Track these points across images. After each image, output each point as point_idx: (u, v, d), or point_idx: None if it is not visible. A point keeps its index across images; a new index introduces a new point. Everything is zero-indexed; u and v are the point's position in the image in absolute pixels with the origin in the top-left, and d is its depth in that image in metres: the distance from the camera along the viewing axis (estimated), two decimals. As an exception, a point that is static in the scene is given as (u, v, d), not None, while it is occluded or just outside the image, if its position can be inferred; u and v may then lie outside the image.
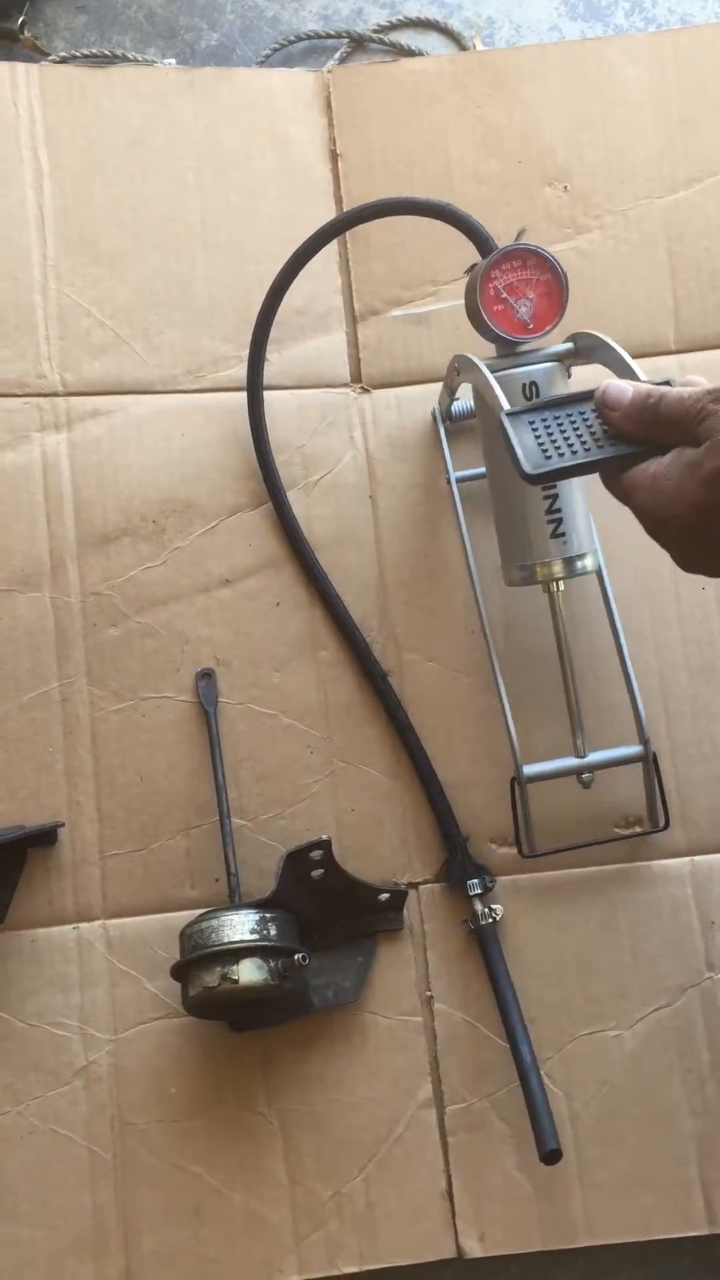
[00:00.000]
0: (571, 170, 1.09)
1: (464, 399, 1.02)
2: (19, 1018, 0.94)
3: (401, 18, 1.30)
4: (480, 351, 0.90)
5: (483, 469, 0.99)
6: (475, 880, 0.97)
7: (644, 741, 0.96)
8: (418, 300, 1.07)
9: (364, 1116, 0.95)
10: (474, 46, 1.25)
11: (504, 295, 0.88)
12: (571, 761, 0.96)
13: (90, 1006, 0.95)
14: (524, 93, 1.10)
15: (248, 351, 1.03)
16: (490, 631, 0.99)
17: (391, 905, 0.98)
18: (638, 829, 1.00)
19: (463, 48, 1.26)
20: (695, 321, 1.07)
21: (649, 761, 0.97)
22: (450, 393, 1.00)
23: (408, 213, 0.94)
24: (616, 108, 1.10)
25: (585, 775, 0.96)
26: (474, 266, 0.90)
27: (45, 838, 0.97)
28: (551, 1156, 0.89)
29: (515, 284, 0.88)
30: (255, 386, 1.02)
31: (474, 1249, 0.93)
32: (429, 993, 0.98)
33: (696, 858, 0.99)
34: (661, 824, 0.98)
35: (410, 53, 1.25)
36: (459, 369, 0.93)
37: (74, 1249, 0.91)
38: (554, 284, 0.88)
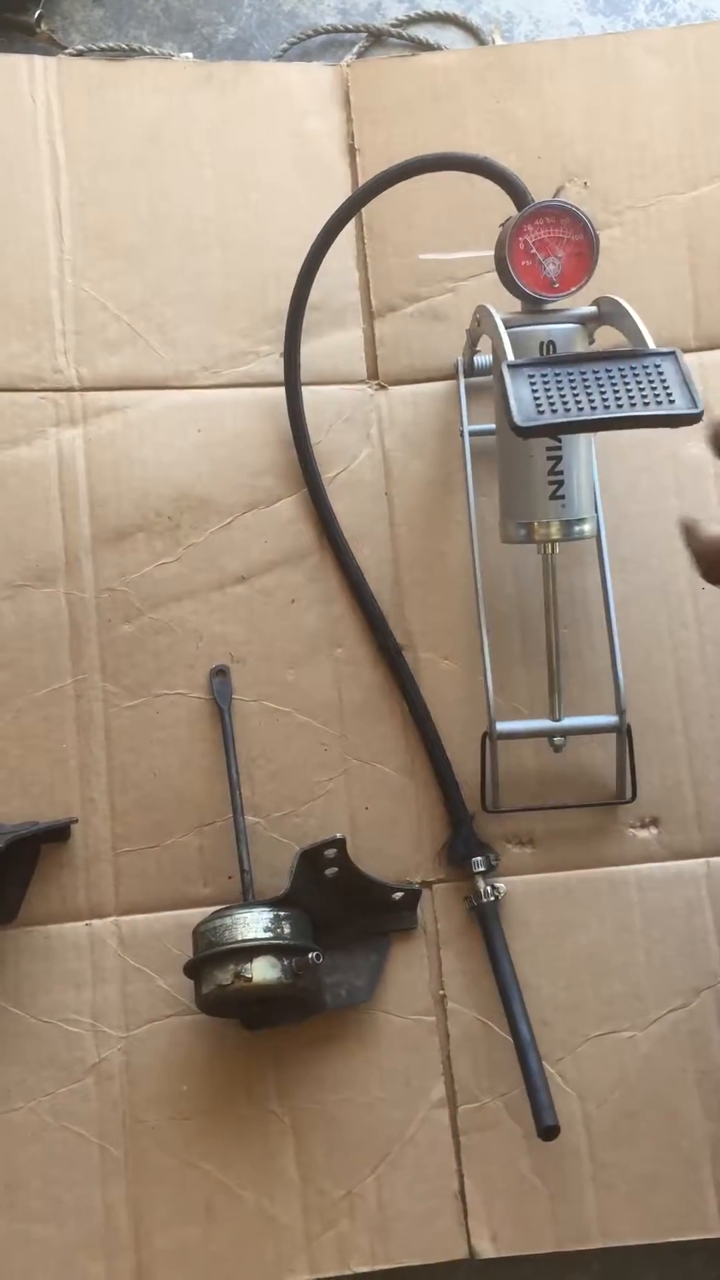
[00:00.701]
0: (592, 166, 1.08)
1: (486, 353, 1.02)
2: (31, 1014, 0.94)
3: (420, 12, 1.30)
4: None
5: (493, 424, 0.99)
6: (479, 858, 0.97)
7: (620, 712, 0.96)
8: (435, 296, 1.06)
9: (376, 1116, 0.95)
10: (493, 41, 1.25)
11: (533, 251, 0.88)
12: (545, 723, 0.97)
13: (102, 1003, 0.95)
14: (544, 88, 1.10)
15: (265, 347, 1.03)
16: (488, 591, 0.99)
17: (405, 904, 0.98)
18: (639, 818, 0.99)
19: (481, 42, 1.26)
20: (715, 319, 1.06)
21: (622, 732, 0.97)
22: (473, 344, 1.00)
23: (444, 168, 0.94)
24: (637, 103, 1.10)
25: (558, 739, 0.97)
26: (508, 220, 0.90)
27: (58, 834, 0.96)
28: (549, 1133, 0.88)
29: (546, 241, 0.88)
30: (293, 362, 1.02)
31: (486, 1249, 0.93)
32: (442, 992, 0.97)
33: (712, 859, 0.99)
34: (629, 796, 0.99)
35: (429, 47, 1.25)
36: (480, 321, 0.93)
37: (85, 1246, 0.91)
38: (584, 245, 0.88)
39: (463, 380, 1.04)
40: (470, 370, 1.04)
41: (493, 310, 0.88)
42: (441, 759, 1.00)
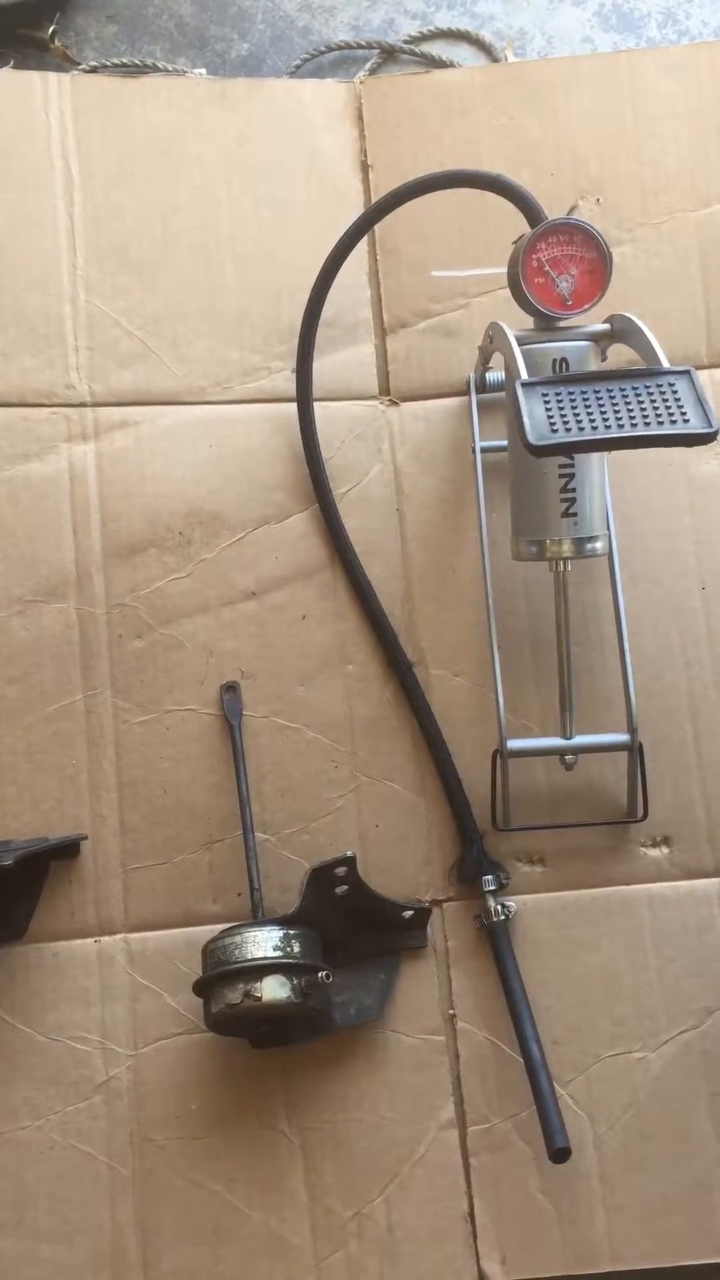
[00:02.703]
0: (604, 183, 1.08)
1: (497, 370, 1.02)
2: (40, 1031, 0.94)
3: (432, 28, 1.30)
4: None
5: (504, 440, 0.99)
6: (490, 876, 0.97)
7: (631, 730, 0.96)
8: (448, 312, 1.06)
9: (385, 1136, 0.94)
10: (505, 58, 1.25)
11: (547, 268, 0.88)
12: (557, 741, 0.97)
13: (111, 1021, 0.94)
14: (556, 105, 1.10)
15: (277, 363, 1.03)
16: (499, 608, 0.99)
17: (415, 923, 0.97)
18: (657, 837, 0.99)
19: (494, 59, 1.26)
20: (728, 336, 1.06)
21: (634, 750, 0.96)
22: (485, 361, 1.00)
23: (457, 185, 0.93)
24: (649, 120, 1.10)
25: (569, 757, 0.97)
26: (521, 237, 0.90)
27: (68, 850, 0.96)
28: (560, 1155, 0.88)
29: (559, 258, 0.88)
30: (305, 378, 1.02)
31: (496, 1272, 0.92)
32: (452, 1011, 0.97)
33: (725, 878, 0.99)
34: (640, 815, 0.98)
35: (441, 64, 1.25)
36: (492, 338, 0.93)
37: (92, 1266, 0.90)
38: (598, 263, 0.88)
39: (475, 397, 1.04)
40: (482, 387, 1.03)
41: (505, 328, 0.88)
42: (452, 776, 0.99)
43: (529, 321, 0.92)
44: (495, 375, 1.03)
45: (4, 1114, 0.92)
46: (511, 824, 0.98)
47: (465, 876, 0.98)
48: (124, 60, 1.24)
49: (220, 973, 0.88)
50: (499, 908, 0.96)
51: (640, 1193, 0.93)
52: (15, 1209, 0.90)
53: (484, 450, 1.02)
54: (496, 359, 1.00)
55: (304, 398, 1.02)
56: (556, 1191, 0.93)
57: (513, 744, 0.96)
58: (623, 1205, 0.93)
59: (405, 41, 1.29)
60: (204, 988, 0.90)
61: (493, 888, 0.97)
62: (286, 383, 1.04)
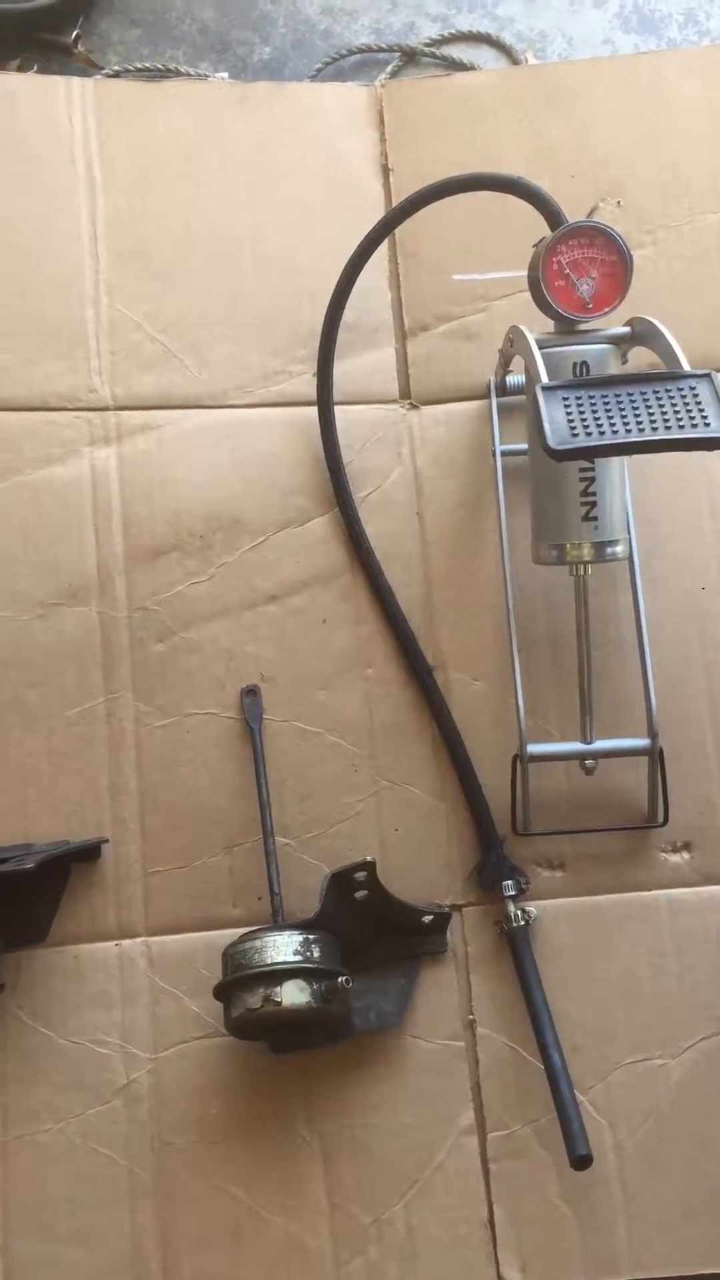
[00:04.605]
0: (625, 185, 1.08)
1: (518, 373, 1.02)
2: (61, 1034, 0.94)
3: (453, 31, 1.30)
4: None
5: (524, 444, 0.99)
6: (510, 881, 0.96)
7: (652, 735, 0.95)
8: (468, 315, 1.06)
9: (405, 1142, 0.94)
10: (526, 60, 1.25)
11: (567, 271, 0.88)
12: (577, 746, 0.96)
13: (131, 1024, 0.94)
14: (577, 107, 1.09)
15: (298, 366, 1.04)
16: (519, 611, 0.99)
17: (435, 927, 0.97)
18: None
19: (515, 62, 1.26)
20: (750, 339, 1.05)
21: (654, 755, 0.96)
22: (505, 364, 1.00)
23: (478, 188, 0.93)
24: (671, 122, 1.09)
25: (589, 762, 0.96)
26: (542, 240, 0.90)
27: (89, 854, 0.96)
28: (582, 1162, 0.87)
29: (580, 261, 0.88)
30: (326, 381, 1.02)
31: (515, 1279, 0.92)
32: (471, 1017, 0.96)
33: (747, 884, 0.98)
34: (660, 820, 0.97)
35: (462, 66, 1.25)
36: (513, 341, 0.93)
37: (112, 1270, 0.90)
38: (618, 266, 0.88)
39: (495, 400, 1.03)
40: (503, 390, 1.03)
41: (526, 331, 0.88)
42: (472, 781, 0.99)
43: (549, 325, 0.92)
44: (515, 379, 1.03)
45: (24, 1117, 0.92)
46: (532, 829, 0.98)
47: (485, 881, 0.98)
48: (146, 65, 1.25)
49: (240, 977, 0.88)
50: (519, 913, 0.96)
51: (661, 1200, 0.93)
52: (35, 1212, 0.91)
53: (504, 454, 1.02)
54: (517, 362, 0.99)
55: (324, 401, 1.02)
56: (577, 1198, 0.93)
57: (533, 748, 0.96)
58: (643, 1213, 0.93)
59: (426, 44, 1.29)
60: (224, 992, 0.90)
61: (513, 893, 0.96)
62: (307, 386, 1.04)
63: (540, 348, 0.86)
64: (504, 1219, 0.93)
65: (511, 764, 0.97)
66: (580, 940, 0.97)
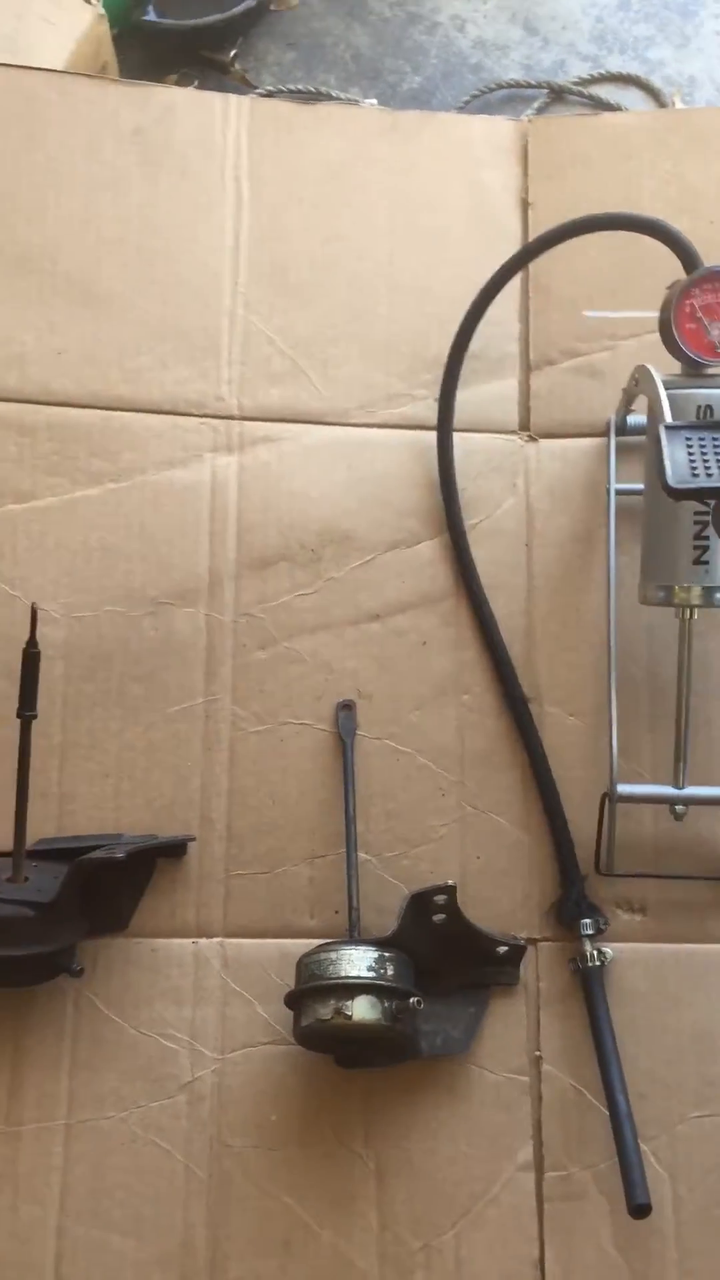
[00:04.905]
0: (766, 234, 1.07)
1: (639, 413, 1.01)
2: (132, 1025, 0.95)
3: (603, 72, 1.31)
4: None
5: (640, 484, 0.99)
6: (588, 920, 0.96)
7: None
8: (594, 353, 1.06)
9: (461, 1171, 0.93)
10: (673, 104, 1.25)
11: (699, 315, 0.88)
12: (669, 790, 0.95)
13: (201, 1023, 0.96)
14: (722, 153, 1.09)
15: (421, 391, 1.05)
16: (620, 650, 0.98)
17: (509, 959, 0.96)
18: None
19: (662, 105, 1.26)
20: None
21: None
22: (628, 402, 1.00)
23: (617, 227, 0.94)
24: None
25: (679, 807, 0.95)
26: (676, 283, 0.90)
27: (175, 850, 0.98)
28: (640, 1211, 0.86)
29: (713, 305, 0.88)
30: (448, 407, 1.03)
31: (561, 1323, 0.91)
32: (538, 1053, 0.96)
33: None
34: None
35: (609, 106, 1.26)
36: (638, 380, 0.93)
37: (161, 1264, 0.91)
38: None
39: (614, 438, 1.04)
40: (623, 429, 1.03)
41: (653, 371, 0.88)
42: (558, 816, 0.99)
43: (677, 367, 0.92)
44: (636, 419, 1.03)
45: (90, 1101, 0.93)
46: (615, 870, 0.97)
47: (564, 918, 0.97)
48: (299, 86, 1.28)
49: (314, 986, 0.89)
50: (595, 953, 0.95)
51: (716, 1260, 0.91)
52: (92, 1197, 0.92)
53: (618, 493, 1.02)
54: (639, 402, 0.99)
55: (445, 427, 1.03)
56: (630, 1248, 0.92)
57: (623, 789, 0.95)
58: (698, 1270, 0.91)
59: (574, 83, 1.30)
60: (296, 1000, 0.90)
61: (590, 932, 0.96)
62: (428, 411, 1.05)
63: (666, 388, 0.86)
64: (554, 1260, 0.92)
65: (600, 803, 0.96)
66: (656, 987, 0.96)
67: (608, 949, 0.96)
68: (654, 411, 0.85)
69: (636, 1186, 0.86)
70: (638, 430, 1.03)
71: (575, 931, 0.96)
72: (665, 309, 0.90)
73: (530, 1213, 0.93)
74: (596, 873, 0.97)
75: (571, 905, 0.97)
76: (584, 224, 0.95)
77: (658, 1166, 0.93)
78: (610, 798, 0.95)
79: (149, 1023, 0.95)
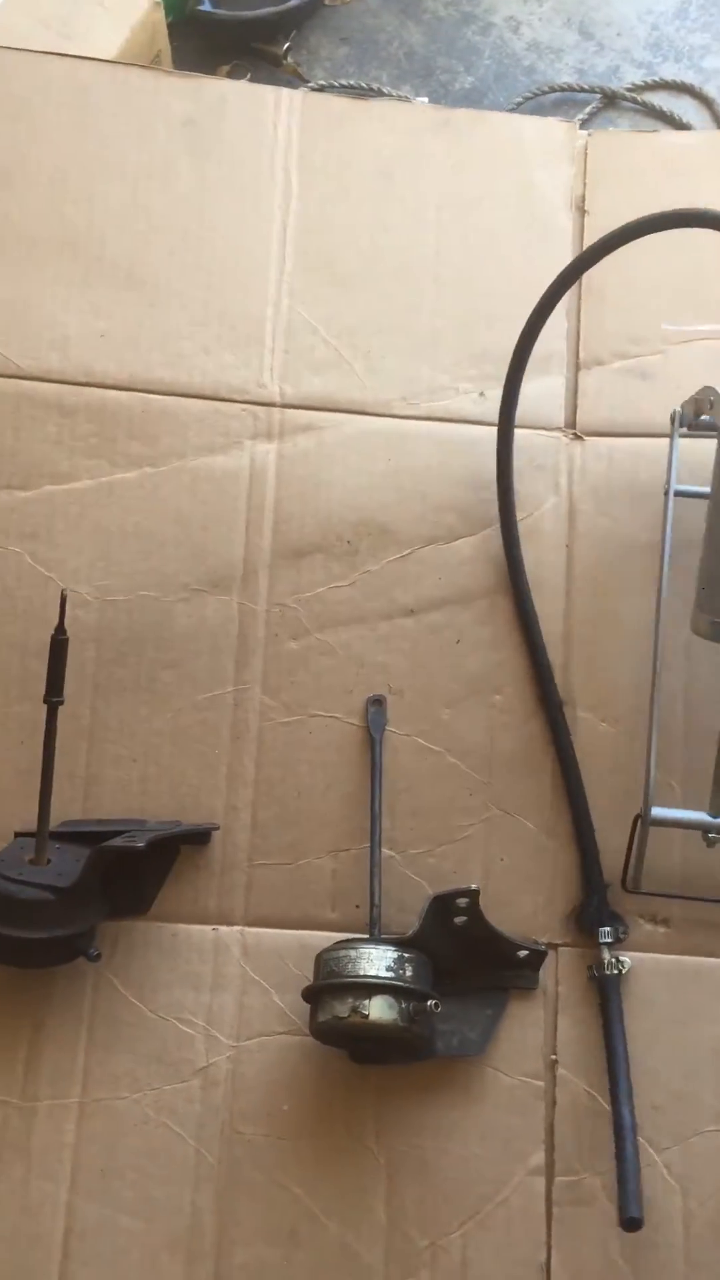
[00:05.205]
0: None
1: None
2: (149, 1007, 0.95)
3: (656, 79, 1.30)
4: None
5: (702, 487, 0.96)
6: (608, 929, 0.95)
7: None
8: (645, 355, 1.06)
9: (471, 1172, 0.93)
10: (727, 113, 1.24)
11: None
12: (703, 817, 0.93)
13: (218, 1009, 0.95)
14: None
15: (465, 385, 1.05)
16: (663, 671, 0.96)
17: (529, 963, 0.96)
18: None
19: (715, 114, 1.25)
20: None
21: None
22: (696, 411, 0.99)
23: (696, 225, 0.91)
24: None
25: (711, 834, 0.93)
26: None
27: (200, 837, 0.98)
28: (631, 1225, 0.85)
29: None
30: (510, 405, 1.00)
31: (565, 1330, 0.90)
32: (554, 1057, 0.95)
33: None
34: None
35: (662, 114, 1.25)
36: (713, 402, 0.91)
37: (169, 1246, 0.91)
38: None
39: (676, 435, 1.00)
40: (688, 423, 1.00)
41: None
42: (585, 823, 0.98)
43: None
44: (709, 419, 1.00)
45: (105, 1081, 0.93)
46: (641, 888, 0.96)
47: (584, 924, 0.97)
48: (350, 82, 1.28)
49: (332, 983, 0.88)
50: (614, 960, 0.95)
51: (725, 1276, 0.90)
52: (102, 1176, 0.92)
53: (678, 494, 0.99)
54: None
55: (505, 426, 1.00)
56: (637, 1259, 0.91)
57: (657, 812, 0.93)
58: (706, 1285, 0.90)
59: (628, 89, 1.29)
60: (314, 995, 0.90)
61: (610, 940, 0.95)
62: (472, 405, 1.05)
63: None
64: (560, 1266, 0.91)
65: (632, 824, 0.95)
66: (676, 999, 0.95)
67: (626, 958, 0.95)
68: None
69: (630, 1199, 0.85)
70: (702, 428, 1.00)
71: (594, 938, 0.95)
72: None
73: (539, 1217, 0.92)
74: (623, 889, 0.97)
75: (593, 912, 0.96)
76: (665, 219, 0.90)
77: (670, 1179, 0.92)
78: (643, 820, 0.93)
79: (166, 1006, 0.95)
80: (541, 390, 1.06)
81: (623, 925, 0.96)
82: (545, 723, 1.00)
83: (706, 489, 0.96)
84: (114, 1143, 0.93)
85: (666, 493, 0.99)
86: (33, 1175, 0.92)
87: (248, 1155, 0.93)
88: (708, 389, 0.91)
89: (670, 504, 0.99)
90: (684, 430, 1.00)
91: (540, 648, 1.00)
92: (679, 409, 1.01)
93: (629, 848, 0.96)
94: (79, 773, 0.99)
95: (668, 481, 0.99)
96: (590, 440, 1.05)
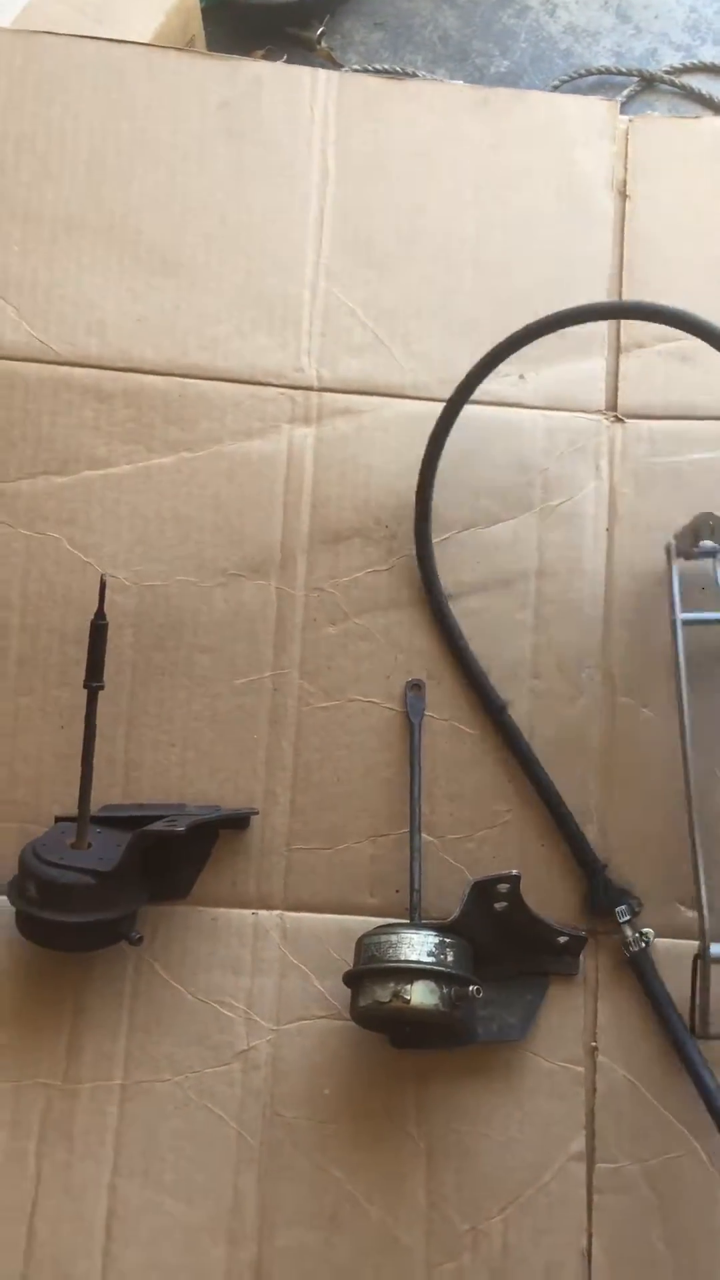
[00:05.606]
0: None
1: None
2: (190, 991, 0.95)
3: (695, 62, 1.29)
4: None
5: (712, 614, 0.94)
6: (623, 906, 0.95)
7: None
8: (687, 339, 1.04)
9: (512, 1157, 0.93)
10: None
11: None
12: None
13: (259, 993, 0.95)
14: None
15: (505, 368, 1.02)
16: (698, 796, 0.91)
17: (569, 949, 0.95)
18: None
19: (755, 95, 1.24)
20: None
21: None
22: (694, 537, 0.97)
23: (635, 317, 0.90)
24: None
25: None
26: None
27: (239, 822, 0.98)
28: None
29: None
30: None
31: (607, 1316, 0.90)
32: (594, 1044, 0.95)
33: None
34: None
35: (700, 97, 1.24)
36: (713, 527, 0.92)
37: (210, 1228, 0.91)
38: None
39: (676, 564, 0.96)
40: (684, 553, 0.97)
41: None
42: (559, 807, 0.98)
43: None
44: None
45: (146, 1064, 0.94)
46: (711, 1032, 0.90)
47: (596, 909, 0.97)
48: (385, 67, 1.27)
49: (373, 968, 0.88)
50: (637, 935, 0.95)
51: (769, 1264, 0.90)
52: (144, 1159, 0.92)
53: (684, 623, 0.94)
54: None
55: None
56: (679, 1245, 0.90)
57: (716, 949, 0.88)
58: (749, 1273, 0.90)
59: (666, 72, 1.28)
60: (355, 980, 0.90)
61: (627, 917, 0.96)
62: (511, 388, 1.04)
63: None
64: (601, 1252, 0.91)
65: (692, 964, 0.91)
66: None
67: (649, 930, 0.95)
68: None
69: None
70: (704, 555, 0.97)
71: (613, 920, 0.95)
72: None
73: (580, 1203, 0.92)
74: (693, 1035, 0.92)
75: (600, 895, 0.96)
76: (580, 314, 0.91)
77: (711, 1167, 0.91)
78: (703, 959, 0.89)
79: (207, 990, 0.95)
80: (582, 373, 1.05)
81: (635, 900, 0.96)
82: (586, 706, 0.99)
83: (715, 615, 0.94)
84: (155, 1125, 0.93)
85: (674, 622, 0.94)
86: (75, 1157, 0.92)
87: (288, 1138, 0.93)
88: (705, 515, 0.90)
89: (680, 633, 0.93)
90: (681, 560, 0.97)
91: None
92: (672, 540, 0.98)
93: (692, 991, 0.91)
94: (118, 757, 0.99)
95: (672, 612, 0.94)
96: (631, 423, 1.04)
